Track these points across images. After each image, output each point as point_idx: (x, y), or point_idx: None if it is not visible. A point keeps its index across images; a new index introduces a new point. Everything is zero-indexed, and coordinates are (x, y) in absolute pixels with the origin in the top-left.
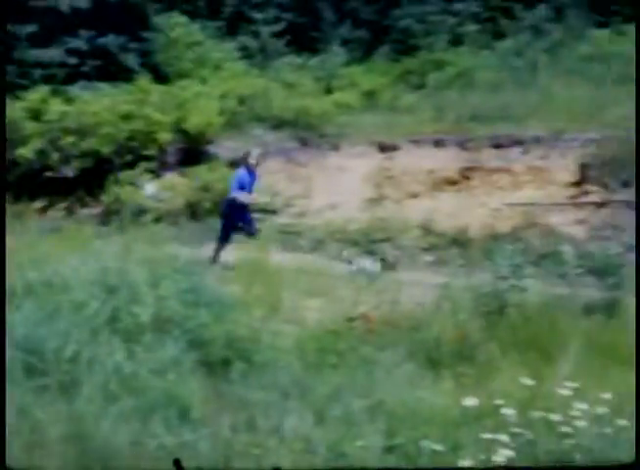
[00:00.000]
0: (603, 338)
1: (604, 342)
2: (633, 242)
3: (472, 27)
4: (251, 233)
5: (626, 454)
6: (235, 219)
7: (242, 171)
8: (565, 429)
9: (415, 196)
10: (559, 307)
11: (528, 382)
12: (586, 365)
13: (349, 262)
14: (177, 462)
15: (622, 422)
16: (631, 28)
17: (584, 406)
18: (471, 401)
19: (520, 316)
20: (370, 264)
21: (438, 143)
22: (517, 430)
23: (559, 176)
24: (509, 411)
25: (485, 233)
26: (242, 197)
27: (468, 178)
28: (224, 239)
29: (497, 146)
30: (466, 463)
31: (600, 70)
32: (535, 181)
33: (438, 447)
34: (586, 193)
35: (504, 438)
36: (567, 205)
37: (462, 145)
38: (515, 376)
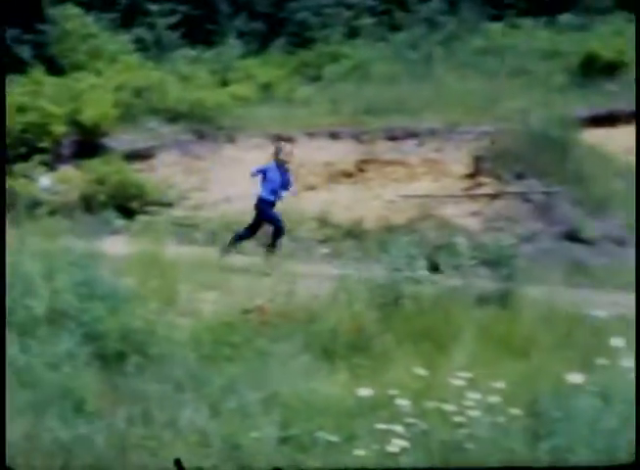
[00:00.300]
0: (496, 328)
1: (497, 332)
2: (527, 233)
3: (367, 20)
4: (277, 234)
5: (518, 443)
6: (261, 216)
7: (270, 165)
8: (458, 419)
9: (311, 188)
10: (453, 299)
11: (423, 372)
12: (480, 355)
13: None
14: (178, 462)
15: (515, 411)
16: (525, 22)
17: (478, 396)
18: (365, 392)
19: (414, 308)
20: None
21: (334, 135)
22: (411, 420)
23: (453, 168)
24: (403, 402)
25: (381, 225)
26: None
27: (363, 171)
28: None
29: (392, 138)
30: (360, 454)
31: (494, 64)
32: (430, 173)
33: (333, 438)
34: (480, 185)
35: (398, 428)
36: (461, 197)
37: (357, 137)
38: (409, 367)
